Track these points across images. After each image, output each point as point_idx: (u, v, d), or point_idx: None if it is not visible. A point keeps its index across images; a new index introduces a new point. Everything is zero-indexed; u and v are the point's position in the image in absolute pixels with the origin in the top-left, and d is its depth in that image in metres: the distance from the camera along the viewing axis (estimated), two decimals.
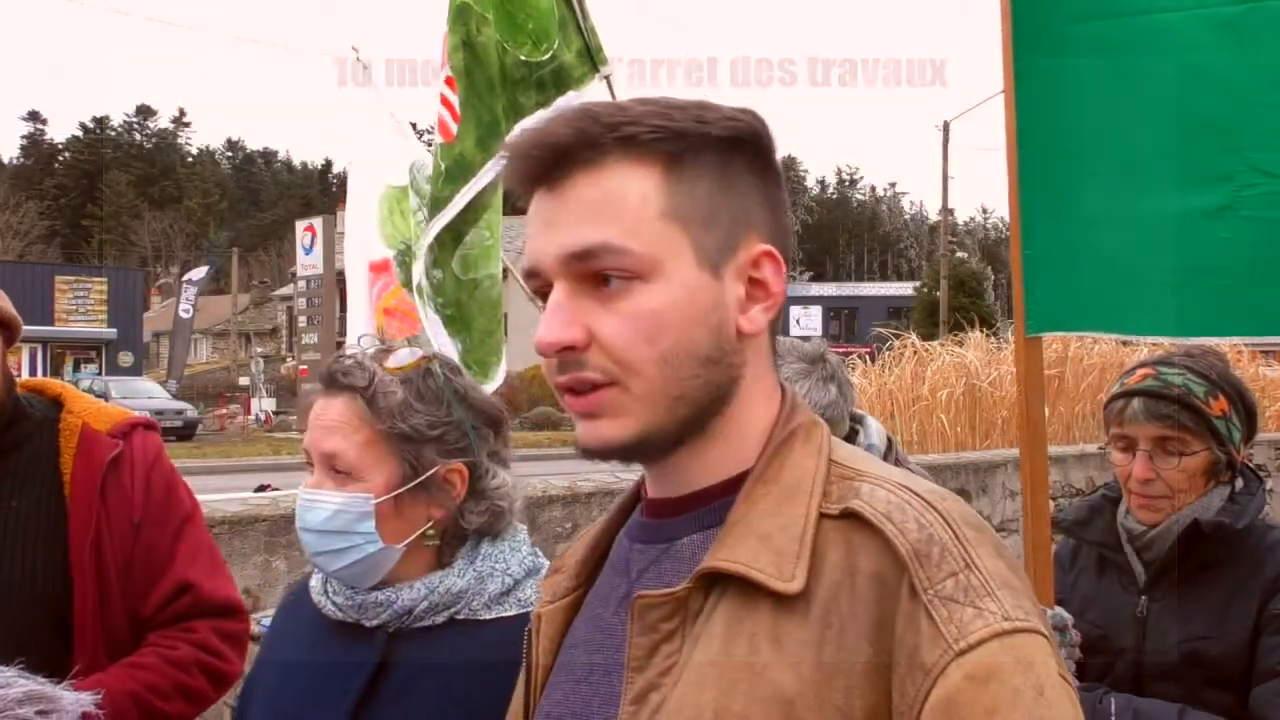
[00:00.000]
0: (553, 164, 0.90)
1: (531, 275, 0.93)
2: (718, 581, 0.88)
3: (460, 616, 1.53)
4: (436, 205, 3.38)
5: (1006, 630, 0.79)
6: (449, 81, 3.37)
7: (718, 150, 0.91)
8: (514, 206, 3.66)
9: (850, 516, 0.87)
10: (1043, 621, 0.83)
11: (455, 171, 3.34)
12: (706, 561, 0.88)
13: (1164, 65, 2.04)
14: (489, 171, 3.36)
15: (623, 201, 0.88)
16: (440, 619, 1.52)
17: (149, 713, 1.80)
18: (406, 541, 1.53)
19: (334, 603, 1.57)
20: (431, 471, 1.53)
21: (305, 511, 1.51)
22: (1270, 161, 1.96)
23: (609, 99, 3.53)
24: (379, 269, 4.61)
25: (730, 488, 0.93)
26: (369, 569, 1.52)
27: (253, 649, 2.54)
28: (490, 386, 3.57)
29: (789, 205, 0.99)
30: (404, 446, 1.51)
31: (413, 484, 1.52)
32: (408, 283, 4.36)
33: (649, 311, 0.88)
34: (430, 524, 1.55)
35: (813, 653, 0.83)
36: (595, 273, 0.89)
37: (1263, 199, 1.96)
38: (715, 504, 0.93)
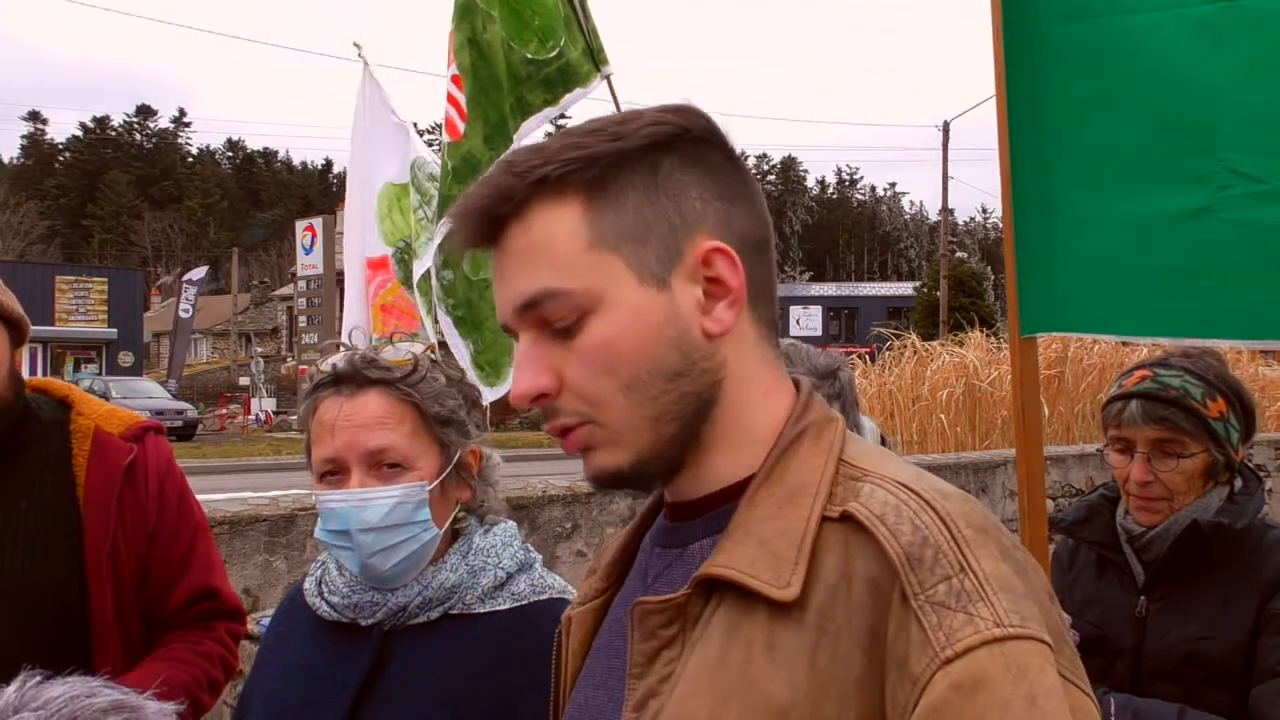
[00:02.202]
0: (488, 225, 0.90)
1: (505, 329, 0.95)
2: (717, 588, 0.86)
3: (454, 611, 1.53)
4: (445, 204, 3.38)
5: (998, 637, 0.76)
6: (455, 80, 3.37)
7: (640, 160, 0.89)
8: None
9: (848, 519, 0.84)
10: (1043, 627, 0.79)
11: (463, 170, 3.35)
12: (704, 567, 0.87)
13: (1143, 65, 2.04)
14: None
15: (550, 244, 0.88)
16: (434, 614, 1.53)
17: (195, 704, 1.85)
18: (446, 526, 1.56)
19: (329, 603, 1.57)
20: (460, 453, 1.57)
21: (361, 511, 1.48)
22: (1246, 163, 1.96)
23: (611, 98, 3.55)
24: (377, 266, 4.61)
25: (740, 490, 0.92)
26: (420, 559, 1.53)
27: (251, 649, 2.56)
28: (503, 388, 3.57)
29: (752, 188, 0.96)
30: (442, 431, 1.54)
31: (451, 467, 1.55)
32: (406, 280, 4.37)
33: (601, 343, 0.88)
34: (459, 506, 1.59)
35: (807, 662, 0.80)
36: (546, 318, 0.89)
37: (1240, 201, 1.96)
38: (724, 507, 0.92)
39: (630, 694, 0.88)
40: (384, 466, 1.50)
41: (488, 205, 0.89)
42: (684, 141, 0.91)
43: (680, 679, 0.85)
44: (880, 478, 0.87)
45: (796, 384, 0.97)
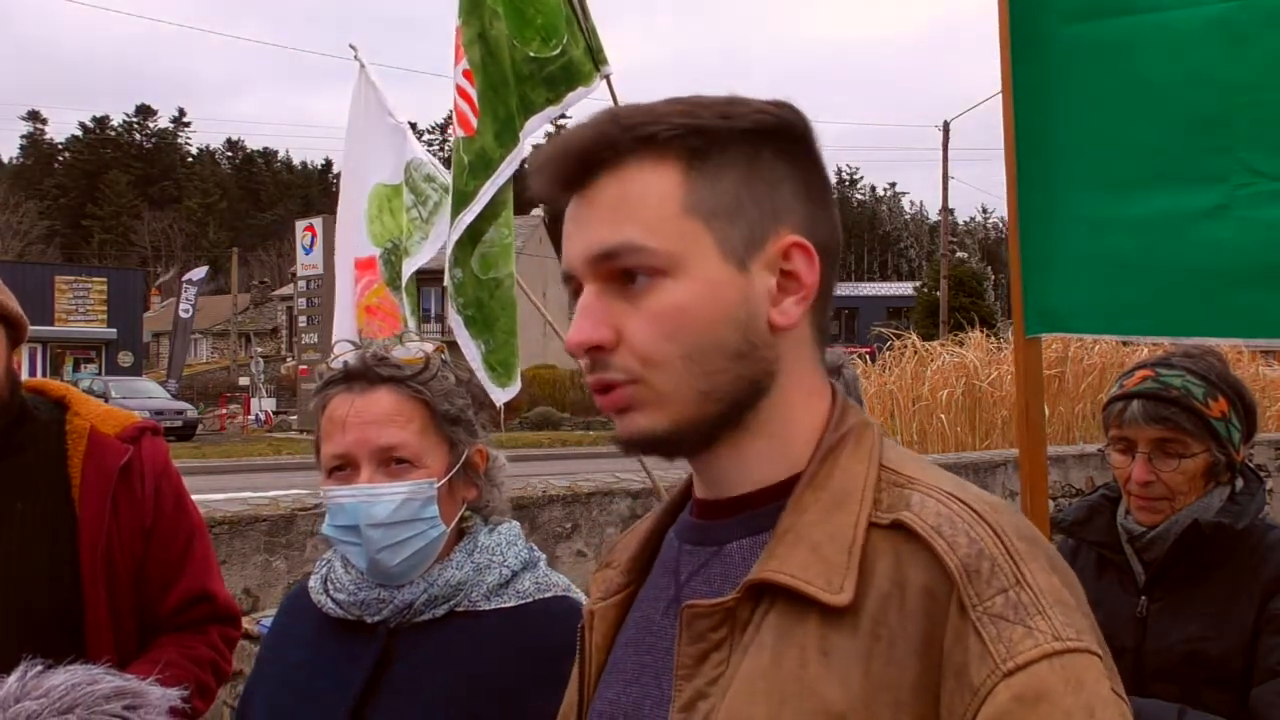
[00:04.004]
0: (579, 168, 0.91)
1: (566, 278, 0.94)
2: (766, 592, 0.87)
3: (460, 609, 1.54)
4: (462, 200, 3.35)
5: (1057, 650, 0.78)
6: (467, 75, 3.36)
7: (745, 143, 0.90)
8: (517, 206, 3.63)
9: (899, 528, 0.85)
10: (1095, 639, 0.81)
11: (478, 166, 3.33)
12: (755, 572, 0.87)
13: (1158, 64, 2.04)
14: (508, 167, 3.35)
15: (643, 200, 0.89)
16: (440, 612, 1.54)
17: (186, 717, 1.83)
18: (454, 524, 1.57)
19: (335, 600, 1.57)
20: (468, 453, 1.57)
21: (369, 507, 1.49)
22: (1265, 161, 1.96)
23: (611, 98, 3.54)
24: (364, 266, 4.61)
25: (780, 492, 0.92)
26: (426, 557, 1.54)
27: (252, 649, 2.56)
28: (513, 389, 3.56)
29: (832, 197, 0.97)
30: (451, 429, 1.55)
31: (459, 465, 1.56)
32: (391, 281, 4.36)
33: (672, 308, 0.88)
34: (465, 505, 1.60)
35: (861, 666, 0.82)
36: (621, 272, 0.89)
37: (1258, 199, 1.96)
38: (764, 508, 0.92)
39: (677, 694, 0.89)
40: (393, 463, 1.51)
41: (586, 149, 0.90)
42: (783, 136, 0.92)
43: (732, 682, 0.86)
44: (927, 486, 0.88)
45: (832, 388, 0.98)
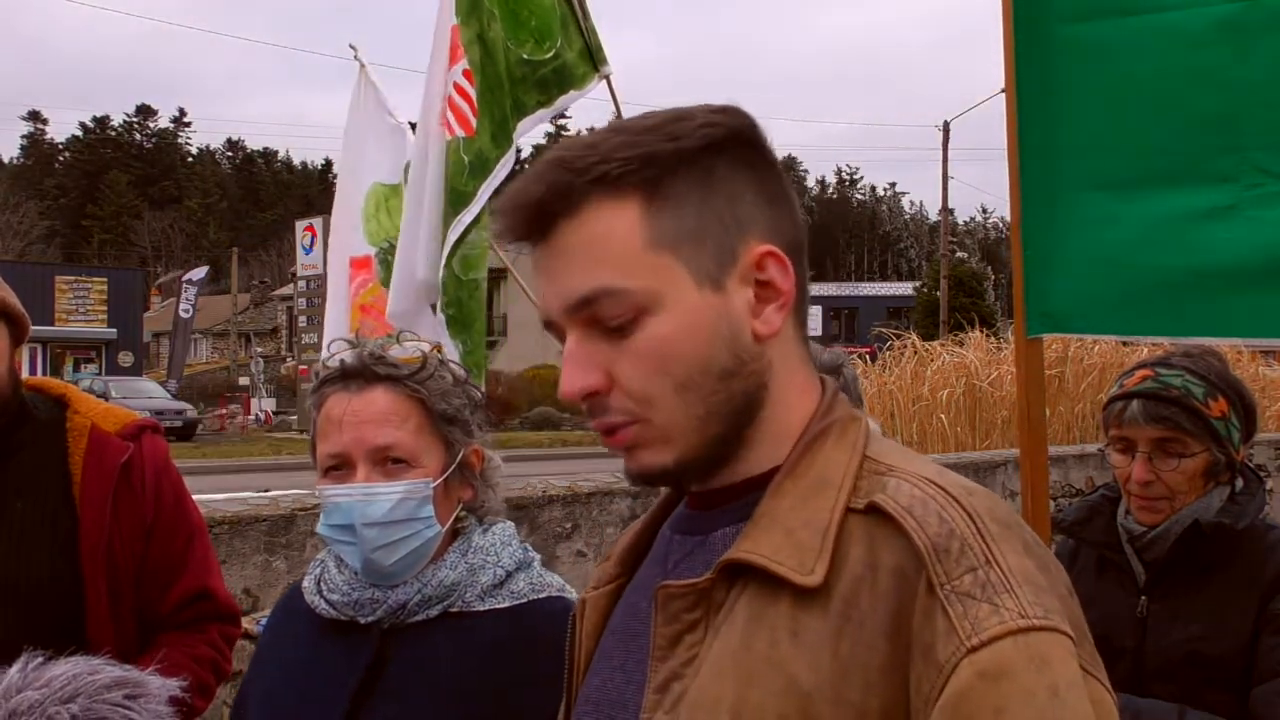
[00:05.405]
0: (537, 221, 0.90)
1: (548, 326, 0.94)
2: (741, 573, 0.88)
3: (454, 610, 1.53)
4: (460, 200, 3.36)
5: (1022, 628, 0.77)
6: (467, 74, 3.37)
7: (696, 162, 0.90)
8: None
9: (874, 511, 0.86)
10: (1067, 620, 0.81)
11: (477, 166, 3.34)
12: (729, 553, 0.88)
13: (1165, 64, 2.04)
14: (502, 169, 3.36)
15: (608, 242, 0.88)
16: (434, 612, 1.53)
17: (186, 707, 1.83)
18: (449, 524, 1.57)
19: (328, 601, 1.57)
20: (464, 453, 1.57)
21: (365, 506, 1.49)
22: (1274, 161, 1.96)
23: (611, 98, 3.55)
24: (359, 265, 4.61)
25: (765, 480, 0.93)
26: (421, 557, 1.54)
27: (251, 648, 2.55)
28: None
29: (790, 192, 0.96)
30: (448, 429, 1.55)
31: (454, 465, 1.55)
32: (387, 280, 4.36)
33: (657, 342, 0.88)
34: (460, 505, 1.60)
35: (830, 647, 0.82)
36: (599, 317, 0.89)
37: (1267, 199, 1.96)
38: (750, 497, 0.93)
39: (653, 675, 0.90)
40: (389, 463, 1.51)
41: (541, 200, 0.89)
42: (735, 144, 0.92)
43: (704, 662, 0.87)
44: (905, 473, 0.89)
45: (823, 382, 0.99)
